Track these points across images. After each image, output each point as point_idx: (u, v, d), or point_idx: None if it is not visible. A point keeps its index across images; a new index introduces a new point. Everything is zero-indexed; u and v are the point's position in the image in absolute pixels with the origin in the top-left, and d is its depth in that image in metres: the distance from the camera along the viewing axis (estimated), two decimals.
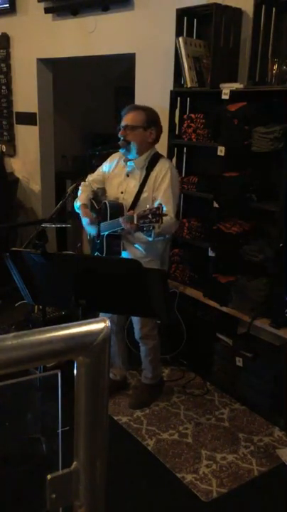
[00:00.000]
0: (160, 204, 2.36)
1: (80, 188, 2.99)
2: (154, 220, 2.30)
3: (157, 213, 2.30)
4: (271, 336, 3.05)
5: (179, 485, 2.46)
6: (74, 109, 5.70)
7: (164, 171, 2.71)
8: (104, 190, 2.95)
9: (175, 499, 2.40)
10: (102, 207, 2.80)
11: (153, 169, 2.74)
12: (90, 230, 2.87)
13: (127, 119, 2.72)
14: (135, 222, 2.38)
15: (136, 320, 2.96)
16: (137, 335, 2.98)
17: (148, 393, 3.13)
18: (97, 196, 2.97)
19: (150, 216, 2.31)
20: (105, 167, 2.94)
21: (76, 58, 4.47)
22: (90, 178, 2.99)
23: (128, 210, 2.71)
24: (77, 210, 2.91)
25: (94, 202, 2.92)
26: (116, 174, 2.86)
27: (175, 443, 2.76)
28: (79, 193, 2.97)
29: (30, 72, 4.91)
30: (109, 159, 2.94)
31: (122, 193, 2.79)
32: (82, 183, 3.00)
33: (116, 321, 3.03)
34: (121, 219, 2.54)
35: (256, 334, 3.16)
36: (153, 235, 2.47)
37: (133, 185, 2.77)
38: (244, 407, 3.08)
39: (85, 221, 2.84)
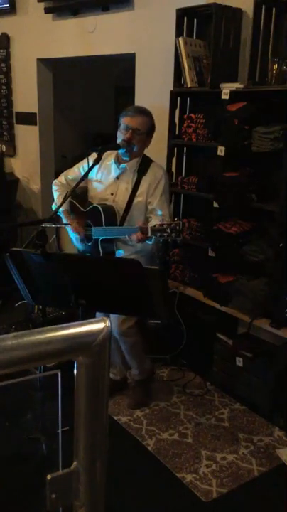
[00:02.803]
0: (179, 220, 2.41)
1: (55, 187, 2.92)
2: (173, 234, 2.34)
3: (177, 229, 2.33)
4: (271, 335, 3.06)
5: (179, 485, 2.46)
6: (74, 109, 5.71)
7: (159, 177, 2.76)
8: (83, 189, 2.88)
9: (175, 499, 2.40)
10: (93, 210, 2.75)
11: (145, 173, 2.75)
12: (79, 246, 2.86)
13: (136, 122, 2.69)
14: (149, 234, 2.41)
15: (114, 316, 2.84)
16: (115, 332, 2.87)
17: (142, 391, 3.12)
18: (75, 195, 2.88)
19: (168, 230, 2.35)
20: (85, 167, 2.83)
21: (76, 58, 4.47)
22: (68, 176, 2.92)
23: (123, 214, 2.72)
24: (58, 214, 2.82)
25: (75, 202, 2.88)
26: (103, 175, 2.83)
27: (175, 443, 2.76)
28: (55, 194, 2.90)
29: (30, 72, 4.91)
30: (90, 158, 2.74)
31: (112, 194, 2.78)
32: (55, 181, 2.93)
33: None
34: (133, 235, 2.51)
35: (256, 334, 3.16)
36: (153, 240, 2.50)
37: (124, 188, 2.77)
38: (244, 407, 3.07)
39: (74, 236, 2.83)
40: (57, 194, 2.92)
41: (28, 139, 5.15)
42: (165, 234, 2.35)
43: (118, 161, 2.78)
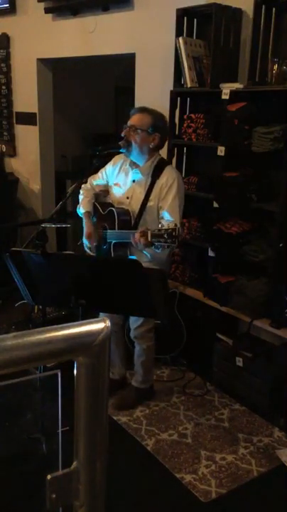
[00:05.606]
0: (176, 225, 2.33)
1: (81, 191, 2.96)
2: (169, 240, 2.29)
3: (173, 235, 2.28)
4: (271, 336, 3.06)
5: (178, 485, 2.45)
6: (74, 109, 5.70)
7: (171, 181, 2.70)
8: (106, 193, 2.94)
9: (174, 499, 2.40)
10: (110, 213, 2.77)
11: (159, 177, 2.72)
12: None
13: (134, 119, 2.71)
14: (149, 239, 2.36)
15: (133, 319, 2.95)
16: (132, 334, 2.97)
17: (135, 396, 3.08)
18: (99, 198, 2.95)
19: (165, 236, 2.30)
20: (109, 170, 2.92)
21: (76, 58, 4.47)
22: (93, 181, 2.97)
23: (135, 218, 2.71)
24: (80, 215, 2.90)
25: (97, 205, 2.91)
26: (121, 178, 2.85)
27: (175, 443, 2.76)
28: (80, 198, 2.94)
29: (30, 72, 4.91)
30: (112, 161, 2.92)
31: (128, 198, 2.78)
32: (83, 185, 2.96)
33: (115, 319, 3.03)
34: (132, 236, 2.51)
35: (256, 334, 3.16)
36: (160, 248, 2.47)
37: (139, 191, 2.76)
38: (243, 408, 3.07)
39: (86, 242, 2.86)
40: (81, 198, 2.96)
41: (28, 139, 5.15)
42: (161, 240, 2.31)
43: (133, 164, 2.79)
